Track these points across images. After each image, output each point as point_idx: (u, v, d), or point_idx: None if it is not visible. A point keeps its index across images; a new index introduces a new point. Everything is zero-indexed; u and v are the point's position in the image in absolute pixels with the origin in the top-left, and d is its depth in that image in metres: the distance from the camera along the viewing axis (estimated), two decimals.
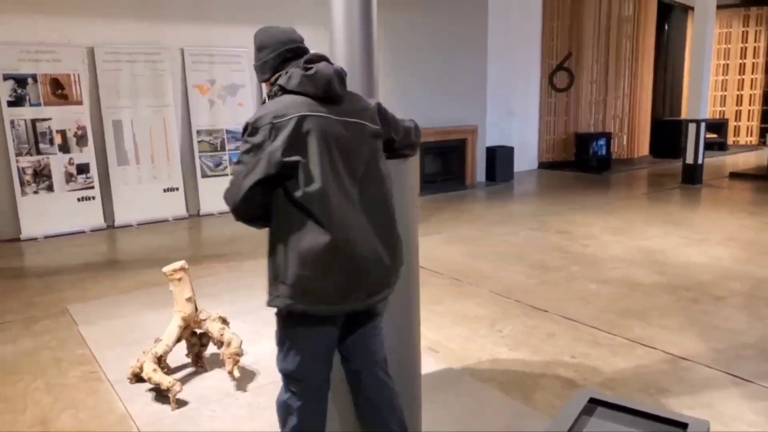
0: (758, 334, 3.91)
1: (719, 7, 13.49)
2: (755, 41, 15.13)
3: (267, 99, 2.17)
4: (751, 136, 15.46)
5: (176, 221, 7.87)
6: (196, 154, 8.13)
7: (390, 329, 2.41)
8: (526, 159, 12.01)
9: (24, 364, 3.72)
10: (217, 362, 3.63)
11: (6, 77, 6.82)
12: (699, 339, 3.91)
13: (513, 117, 11.64)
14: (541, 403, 3.07)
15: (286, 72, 2.04)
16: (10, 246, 6.74)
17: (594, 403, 1.95)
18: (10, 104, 6.86)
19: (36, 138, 7.03)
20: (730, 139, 15.42)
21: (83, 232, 7.25)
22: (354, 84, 2.60)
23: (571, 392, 3.09)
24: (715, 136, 14.60)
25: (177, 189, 8.02)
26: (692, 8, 10.61)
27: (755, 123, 15.34)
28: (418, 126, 2.29)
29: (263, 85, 2.26)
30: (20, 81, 6.91)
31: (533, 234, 6.90)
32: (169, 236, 7.17)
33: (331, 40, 2.61)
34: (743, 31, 15.19)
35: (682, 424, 1.78)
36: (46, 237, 7.00)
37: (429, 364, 3.31)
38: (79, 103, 7.26)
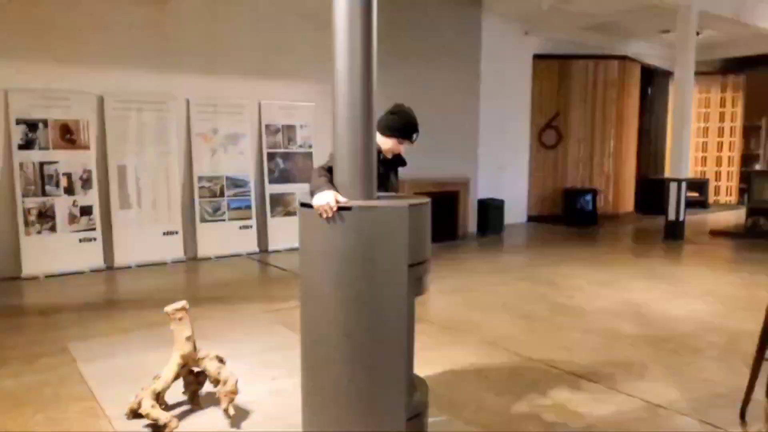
0: (732, 384, 3.92)
1: (698, 73, 13.92)
2: (732, 106, 15.54)
3: None
4: (731, 195, 15.70)
5: (174, 264, 7.93)
6: (196, 200, 8.25)
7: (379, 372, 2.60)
8: (516, 212, 12.15)
9: (25, 399, 3.72)
10: (212, 400, 3.63)
11: (18, 122, 6.96)
12: (677, 388, 3.95)
13: (504, 171, 11.84)
14: None
15: None
16: (11, 284, 6.74)
17: None
18: (21, 147, 6.97)
19: (42, 180, 7.13)
20: (711, 198, 15.65)
21: (83, 272, 7.28)
22: (354, 135, 2.75)
23: None
24: (696, 194, 14.81)
25: (176, 232, 8.08)
26: (673, 73, 10.98)
27: (734, 183, 15.61)
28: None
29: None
30: (31, 125, 7.04)
31: (522, 285, 6.95)
32: (167, 278, 7.21)
33: (334, 92, 2.71)
34: (721, 97, 15.60)
35: None
36: (46, 276, 7.03)
37: None
38: (87, 148, 7.39)
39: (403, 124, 3.21)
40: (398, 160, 3.40)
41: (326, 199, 2.52)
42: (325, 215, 2.53)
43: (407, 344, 2.70)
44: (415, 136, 3.24)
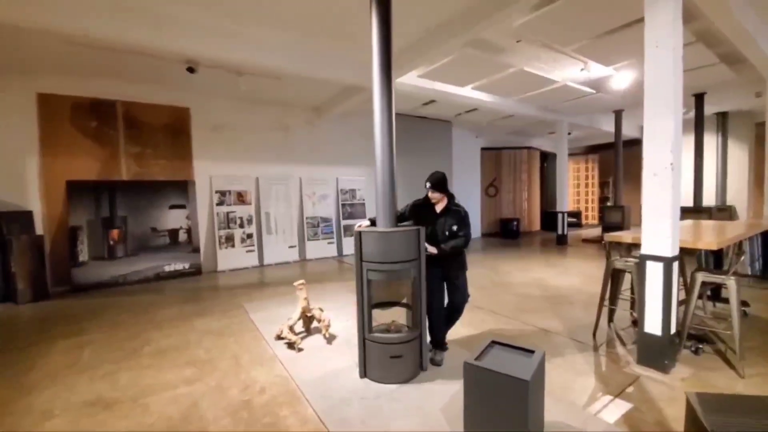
0: (588, 320, 3.95)
1: (571, 154, 13.90)
2: (592, 171, 15.31)
3: (453, 201, 3.09)
4: (594, 219, 15.38)
5: (294, 262, 8.00)
6: (305, 229, 8.36)
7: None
8: (475, 232, 12.11)
9: (224, 332, 3.90)
10: (317, 330, 3.78)
11: (216, 191, 7.29)
12: (558, 322, 3.97)
13: (468, 210, 11.83)
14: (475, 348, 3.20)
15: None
16: (213, 274, 6.93)
17: (494, 343, 2.19)
18: (217, 204, 7.25)
19: (228, 221, 7.36)
20: (583, 221, 15.34)
21: (248, 267, 7.42)
22: (384, 195, 2.83)
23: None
24: (574, 219, 14.55)
25: (295, 246, 8.16)
26: (556, 154, 11.00)
27: (595, 212, 15.31)
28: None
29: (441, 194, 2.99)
30: (222, 193, 7.34)
31: (478, 270, 6.87)
32: (291, 270, 7.27)
33: (376, 173, 2.84)
34: (586, 166, 15.37)
35: (531, 351, 2.01)
36: (230, 270, 7.22)
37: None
38: (250, 204, 7.58)
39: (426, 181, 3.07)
40: (450, 211, 3.02)
41: (357, 224, 2.81)
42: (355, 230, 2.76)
43: (366, 294, 2.73)
44: (428, 184, 2.97)
